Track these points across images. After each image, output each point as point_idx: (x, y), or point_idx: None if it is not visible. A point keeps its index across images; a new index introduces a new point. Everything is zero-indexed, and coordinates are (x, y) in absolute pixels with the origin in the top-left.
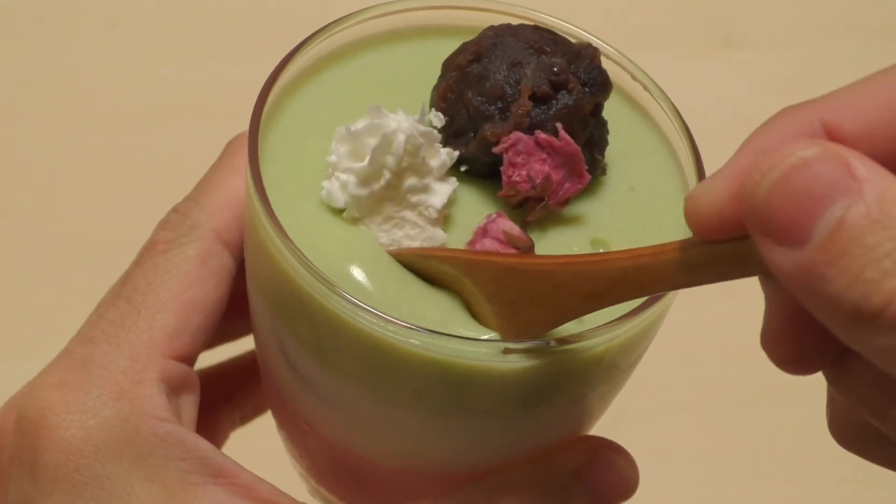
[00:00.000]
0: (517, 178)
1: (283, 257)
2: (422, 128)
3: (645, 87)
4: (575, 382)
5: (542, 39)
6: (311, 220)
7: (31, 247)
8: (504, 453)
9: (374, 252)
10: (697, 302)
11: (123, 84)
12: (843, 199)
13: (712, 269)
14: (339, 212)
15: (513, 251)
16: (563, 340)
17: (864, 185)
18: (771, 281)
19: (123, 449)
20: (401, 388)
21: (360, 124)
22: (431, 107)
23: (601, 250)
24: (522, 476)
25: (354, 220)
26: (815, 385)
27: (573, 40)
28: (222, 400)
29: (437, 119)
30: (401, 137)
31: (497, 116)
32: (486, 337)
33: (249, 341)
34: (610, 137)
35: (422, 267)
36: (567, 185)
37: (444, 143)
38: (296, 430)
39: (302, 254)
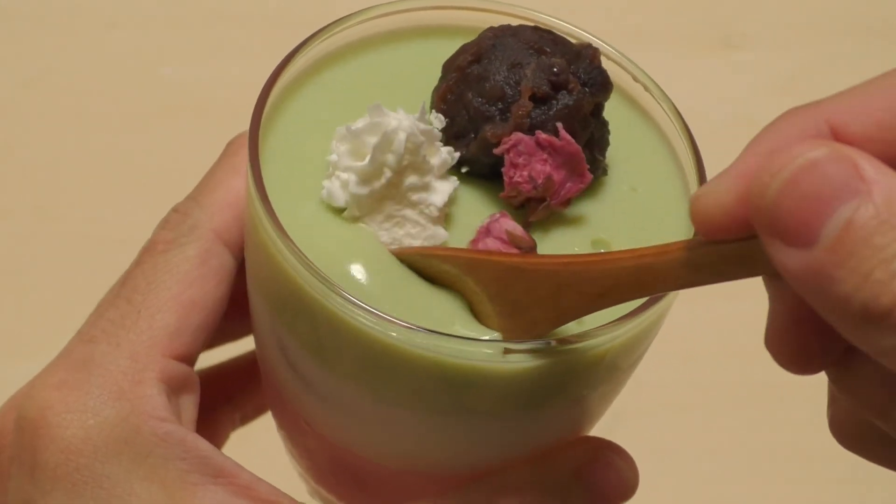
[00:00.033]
0: (519, 179)
1: (284, 257)
2: (422, 126)
3: (645, 88)
4: (575, 383)
5: (541, 40)
6: (312, 219)
7: (31, 247)
8: (504, 453)
9: (375, 251)
10: (698, 302)
11: (123, 84)
12: (851, 200)
13: (717, 270)
14: (339, 212)
15: (515, 251)
16: (563, 341)
17: (872, 186)
18: (775, 281)
19: (123, 448)
20: (401, 388)
21: (360, 123)
22: (432, 108)
23: (602, 251)
24: (522, 476)
25: (355, 219)
26: (816, 385)
27: (573, 40)
28: (222, 400)
29: (438, 120)
30: (401, 135)
31: (497, 117)
32: (486, 337)
33: (249, 341)
34: (610, 138)
35: (423, 266)
36: (569, 184)
37: (445, 145)
38: (296, 430)
39: (302, 253)
